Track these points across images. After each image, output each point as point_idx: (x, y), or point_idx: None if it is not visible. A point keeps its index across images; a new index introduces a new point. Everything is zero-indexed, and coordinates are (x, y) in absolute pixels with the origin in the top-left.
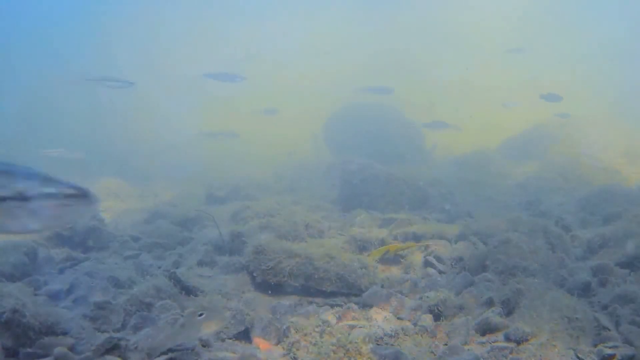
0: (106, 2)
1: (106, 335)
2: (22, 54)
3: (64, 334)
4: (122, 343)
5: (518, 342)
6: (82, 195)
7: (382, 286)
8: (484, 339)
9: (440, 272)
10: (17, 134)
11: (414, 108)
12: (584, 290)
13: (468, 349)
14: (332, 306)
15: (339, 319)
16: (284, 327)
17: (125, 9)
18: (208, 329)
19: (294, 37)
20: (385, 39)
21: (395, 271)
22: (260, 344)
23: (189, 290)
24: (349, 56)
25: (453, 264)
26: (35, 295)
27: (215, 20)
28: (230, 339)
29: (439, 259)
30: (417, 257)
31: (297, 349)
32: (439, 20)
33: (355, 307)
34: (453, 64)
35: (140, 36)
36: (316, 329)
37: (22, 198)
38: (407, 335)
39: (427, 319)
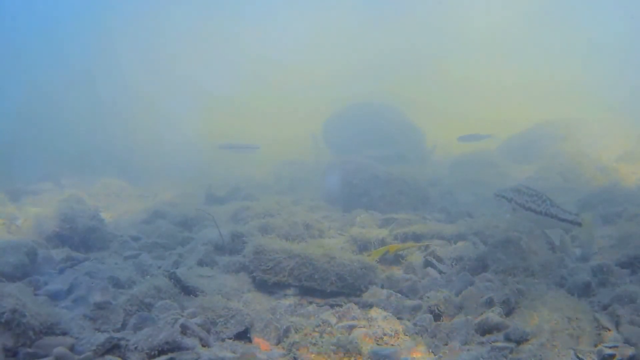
0: (110, 2)
1: (106, 335)
2: (26, 52)
3: (64, 334)
4: (122, 343)
5: (518, 342)
6: None
7: (382, 286)
8: (484, 339)
9: (440, 272)
10: (19, 131)
11: (415, 107)
12: (584, 290)
13: (468, 349)
14: (332, 306)
15: (339, 319)
16: (284, 327)
17: (129, 9)
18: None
19: (298, 37)
20: (385, 38)
21: (395, 271)
22: (260, 344)
23: (189, 290)
24: (351, 55)
25: (453, 264)
26: (35, 295)
27: (218, 20)
28: (230, 339)
29: (439, 259)
30: (417, 257)
31: (297, 349)
32: (441, 19)
33: (355, 307)
34: (456, 62)
35: (143, 36)
36: (316, 329)
37: None
38: (407, 335)
39: (427, 319)
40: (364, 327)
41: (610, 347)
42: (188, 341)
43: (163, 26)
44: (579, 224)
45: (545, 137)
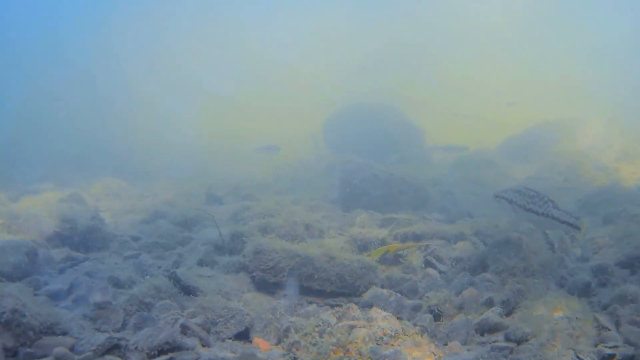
0: (110, 2)
1: (106, 335)
2: (26, 52)
3: (64, 334)
4: (122, 343)
5: (518, 342)
6: None
7: (382, 286)
8: (484, 339)
9: (440, 272)
10: (19, 131)
11: (415, 107)
12: (584, 290)
13: (468, 349)
14: (332, 306)
15: (339, 319)
16: (284, 327)
17: (129, 9)
18: None
19: (298, 37)
20: (386, 36)
21: (395, 271)
22: (260, 344)
23: (189, 290)
24: (351, 55)
25: (453, 264)
26: (35, 295)
27: (218, 20)
28: (230, 339)
29: (439, 259)
30: (417, 257)
31: (297, 349)
32: (442, 19)
33: (355, 307)
34: (456, 62)
35: (143, 35)
36: (316, 329)
37: None
38: (407, 335)
39: (427, 319)
40: (364, 327)
41: (610, 347)
42: (188, 341)
43: (163, 26)
44: (578, 228)
45: (545, 137)
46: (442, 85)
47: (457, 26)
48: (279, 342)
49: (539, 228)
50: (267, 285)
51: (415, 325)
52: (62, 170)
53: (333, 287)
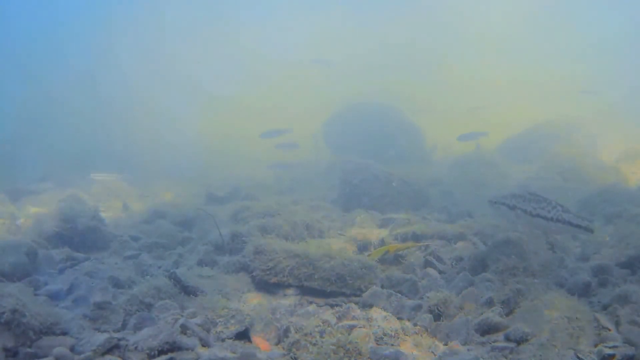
0: (110, 2)
1: (106, 335)
2: (26, 52)
3: (64, 334)
4: (122, 343)
5: (518, 342)
6: None
7: (382, 286)
8: (484, 339)
9: (440, 272)
10: (19, 131)
11: (415, 107)
12: (584, 290)
13: (468, 349)
14: (332, 306)
15: (339, 319)
16: (284, 327)
17: (129, 9)
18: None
19: (297, 33)
20: (386, 38)
21: (395, 271)
22: (260, 344)
23: (189, 290)
24: (352, 55)
25: (453, 264)
26: (35, 295)
27: (218, 20)
28: (230, 339)
29: (439, 259)
30: (417, 257)
31: (297, 349)
32: (442, 19)
33: (355, 307)
34: (456, 62)
35: (143, 35)
36: (316, 329)
37: None
38: (407, 335)
39: (427, 319)
40: (364, 327)
41: (610, 347)
42: (188, 341)
43: (163, 26)
44: (592, 231)
45: (545, 137)
46: (443, 86)
47: (457, 26)
48: (279, 342)
49: (547, 233)
50: (267, 285)
51: (415, 325)
52: (62, 170)
53: (333, 287)
